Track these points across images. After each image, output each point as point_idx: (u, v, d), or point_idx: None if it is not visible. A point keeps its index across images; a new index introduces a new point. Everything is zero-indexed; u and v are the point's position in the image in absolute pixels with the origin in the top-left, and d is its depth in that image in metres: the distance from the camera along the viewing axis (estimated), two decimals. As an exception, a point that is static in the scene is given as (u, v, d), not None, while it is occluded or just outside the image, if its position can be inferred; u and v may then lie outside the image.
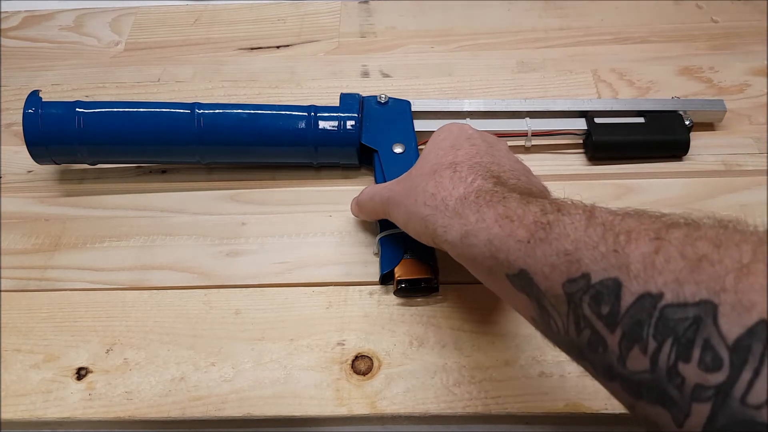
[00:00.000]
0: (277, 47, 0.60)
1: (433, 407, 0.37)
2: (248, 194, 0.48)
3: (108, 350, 0.40)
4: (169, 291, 0.43)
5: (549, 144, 0.50)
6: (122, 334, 0.40)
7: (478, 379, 0.38)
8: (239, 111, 0.46)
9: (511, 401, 0.37)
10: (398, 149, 0.45)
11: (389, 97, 0.48)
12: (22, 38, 0.62)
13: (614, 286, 0.22)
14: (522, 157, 0.42)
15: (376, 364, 0.38)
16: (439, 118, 0.49)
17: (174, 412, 0.37)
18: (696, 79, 0.55)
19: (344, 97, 0.48)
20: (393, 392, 0.37)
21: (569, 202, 0.27)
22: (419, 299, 0.41)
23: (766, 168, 0.48)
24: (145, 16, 0.63)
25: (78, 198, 0.48)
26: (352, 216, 0.46)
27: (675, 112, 0.48)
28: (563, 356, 0.38)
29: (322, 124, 0.45)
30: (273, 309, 0.41)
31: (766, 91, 0.53)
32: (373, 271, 0.43)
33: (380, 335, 0.40)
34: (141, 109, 0.45)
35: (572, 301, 0.24)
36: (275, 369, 0.39)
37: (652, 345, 0.21)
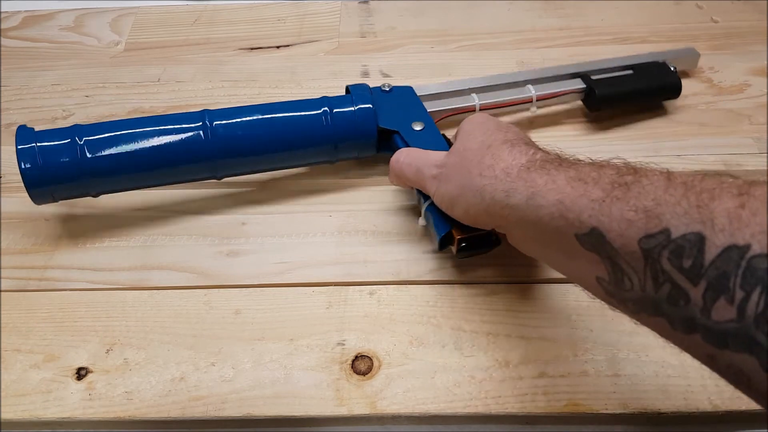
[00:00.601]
0: (277, 47, 0.60)
1: (433, 407, 0.37)
2: (248, 194, 0.48)
3: (108, 350, 0.40)
4: (169, 291, 0.43)
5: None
6: (122, 334, 0.40)
7: (478, 379, 0.38)
8: (252, 118, 0.43)
9: (511, 401, 0.37)
10: (418, 126, 0.45)
11: (392, 86, 0.48)
12: (22, 38, 0.62)
13: (697, 240, 0.23)
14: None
15: (376, 364, 0.38)
16: (444, 98, 0.49)
17: (174, 412, 0.37)
18: (696, 79, 0.55)
19: (353, 87, 0.47)
20: (393, 392, 0.37)
21: (644, 166, 0.28)
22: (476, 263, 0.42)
23: (766, 168, 0.48)
24: (145, 16, 0.63)
25: (78, 198, 0.48)
26: (352, 216, 0.46)
27: (657, 62, 0.52)
28: (563, 356, 0.38)
29: (339, 117, 0.45)
30: (273, 309, 0.41)
31: (766, 91, 0.53)
32: (373, 271, 0.43)
33: (380, 335, 0.40)
34: (148, 129, 0.42)
35: (650, 257, 0.25)
36: (275, 369, 0.39)
37: (739, 294, 0.21)
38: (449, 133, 0.44)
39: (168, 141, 0.42)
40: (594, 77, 0.51)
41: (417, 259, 0.43)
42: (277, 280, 0.43)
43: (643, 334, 0.39)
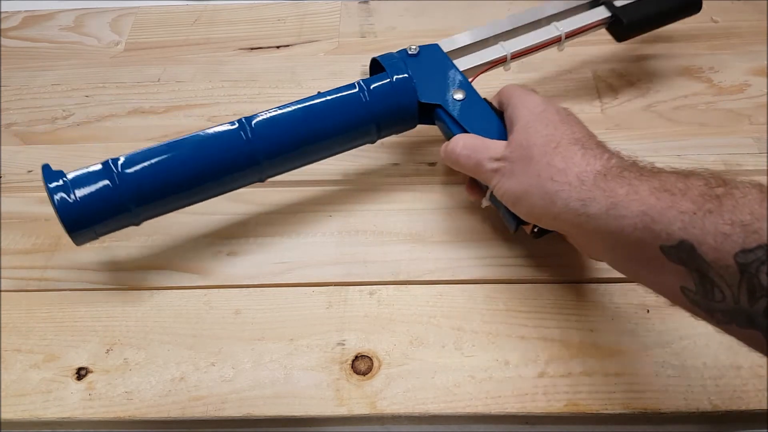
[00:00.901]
0: (277, 47, 0.60)
1: (433, 407, 0.37)
2: (248, 194, 0.48)
3: (108, 350, 0.40)
4: (169, 291, 0.43)
5: None
6: (122, 334, 0.40)
7: (478, 379, 0.38)
8: (291, 109, 0.41)
9: (511, 401, 0.37)
10: (459, 95, 0.43)
11: (418, 47, 0.45)
12: (22, 38, 0.62)
13: None
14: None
15: (376, 364, 0.38)
16: (472, 51, 0.47)
17: (174, 412, 0.37)
18: (696, 79, 0.55)
19: (385, 60, 0.44)
20: (393, 392, 0.37)
21: (732, 178, 0.28)
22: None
23: (766, 168, 0.48)
24: (145, 16, 0.63)
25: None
26: (352, 216, 0.46)
27: None
28: (563, 356, 0.38)
29: (377, 92, 0.42)
30: (273, 309, 0.41)
31: (766, 91, 0.53)
32: (373, 271, 0.43)
33: (380, 335, 0.40)
34: (185, 148, 0.39)
35: (746, 271, 0.25)
36: (275, 369, 0.39)
37: None
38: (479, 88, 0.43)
39: (210, 153, 0.39)
40: (617, 3, 0.49)
41: (417, 259, 0.43)
42: (277, 280, 0.43)
43: (643, 333, 0.39)
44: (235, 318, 0.41)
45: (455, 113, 0.42)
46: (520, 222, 0.39)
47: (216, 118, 0.53)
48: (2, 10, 0.65)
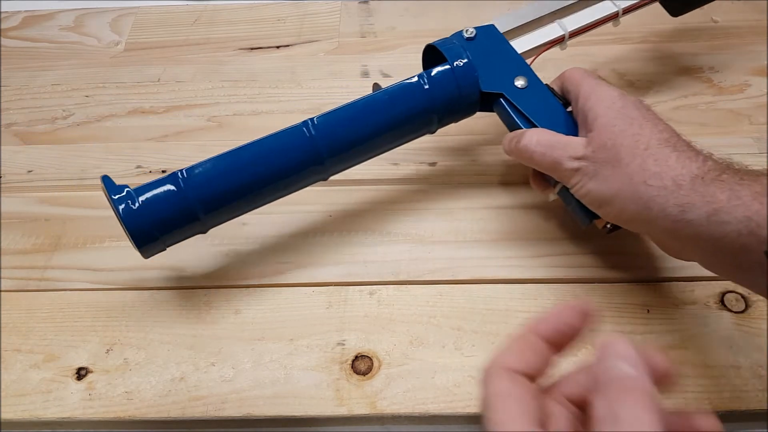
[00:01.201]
0: (277, 47, 0.60)
1: (433, 407, 0.37)
2: (248, 194, 0.48)
3: (108, 350, 0.40)
4: (169, 291, 0.43)
5: None
6: (122, 334, 0.40)
7: (478, 379, 0.38)
8: (354, 107, 0.39)
9: (511, 401, 0.37)
10: (520, 82, 0.41)
11: (474, 30, 0.43)
12: (22, 38, 0.62)
13: None
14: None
15: (376, 364, 0.38)
16: (527, 31, 0.45)
17: (174, 412, 0.37)
18: (696, 79, 0.55)
19: (444, 46, 0.42)
20: (393, 392, 0.37)
21: None
22: None
23: (766, 168, 0.48)
24: (145, 16, 0.63)
25: (78, 198, 0.48)
26: (353, 216, 0.46)
27: None
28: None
29: (438, 79, 0.40)
30: (273, 309, 0.41)
31: (766, 91, 0.53)
32: (373, 272, 0.43)
33: (380, 335, 0.40)
34: (251, 152, 0.38)
35: None
36: (275, 369, 0.38)
37: None
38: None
39: (276, 154, 0.38)
40: None
41: (417, 259, 0.43)
42: (277, 280, 0.43)
43: (643, 334, 0.39)
44: (235, 318, 0.41)
45: (519, 103, 0.40)
46: (593, 218, 0.39)
47: (216, 118, 0.53)
48: (2, 10, 0.65)
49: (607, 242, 0.43)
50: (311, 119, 0.39)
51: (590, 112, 0.37)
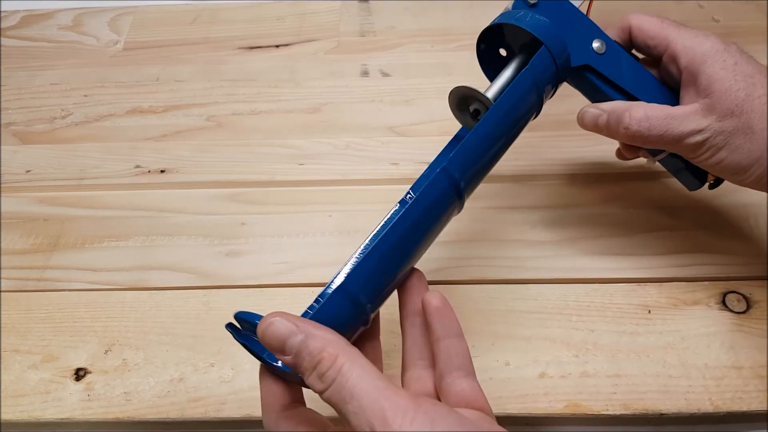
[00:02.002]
0: (277, 46, 0.60)
1: (433, 408, 0.36)
2: (248, 194, 0.48)
3: (107, 351, 0.40)
4: (168, 291, 0.42)
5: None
6: (121, 334, 0.40)
7: (478, 380, 0.37)
8: (483, 135, 0.33)
9: (511, 401, 0.37)
10: (597, 45, 0.36)
11: None
12: (21, 37, 0.62)
13: None
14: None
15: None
16: None
17: (173, 413, 0.37)
18: (697, 78, 0.55)
19: (523, 21, 0.35)
20: (393, 393, 0.37)
21: None
22: None
23: (765, 167, 0.47)
24: (144, 16, 0.63)
25: (77, 198, 0.48)
26: (352, 216, 0.46)
27: None
28: (563, 356, 0.38)
29: (541, 77, 0.35)
30: (272, 309, 0.41)
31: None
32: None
33: (380, 336, 0.39)
34: (405, 229, 0.32)
35: None
36: (275, 370, 0.38)
37: None
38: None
39: (426, 217, 0.32)
40: None
41: (417, 259, 0.43)
42: (277, 281, 0.43)
43: (644, 334, 0.39)
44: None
45: (607, 72, 0.36)
46: (703, 182, 0.38)
47: (215, 118, 0.53)
48: (1, 9, 0.65)
49: (607, 242, 0.43)
50: (447, 165, 0.32)
51: (702, 74, 0.34)
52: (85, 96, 0.56)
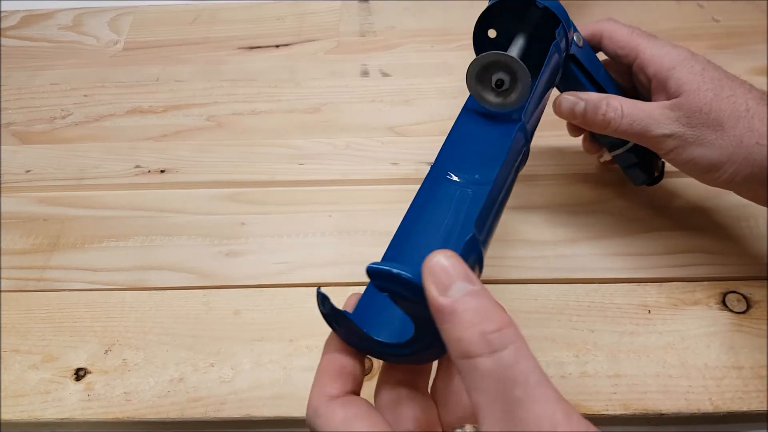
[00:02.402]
0: (277, 46, 0.60)
1: (433, 408, 0.36)
2: (248, 194, 0.48)
3: (107, 351, 0.40)
4: (168, 291, 0.42)
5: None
6: (121, 334, 0.40)
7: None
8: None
9: (511, 402, 0.37)
10: (577, 37, 0.37)
11: None
12: (21, 37, 0.62)
13: None
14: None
15: (376, 364, 0.38)
16: None
17: (173, 413, 0.37)
18: (697, 78, 0.55)
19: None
20: (393, 393, 0.37)
21: None
22: None
23: (765, 167, 0.47)
24: (144, 15, 0.63)
25: (77, 198, 0.48)
26: (352, 216, 0.46)
27: None
28: (563, 356, 0.38)
29: (553, 70, 0.35)
30: (272, 309, 0.41)
31: (767, 90, 0.53)
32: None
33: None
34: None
35: None
36: (275, 370, 0.38)
37: None
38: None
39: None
40: None
41: (417, 259, 0.43)
42: (277, 281, 0.42)
43: (644, 334, 0.39)
44: (235, 318, 0.41)
45: (587, 64, 0.37)
46: (652, 180, 0.41)
47: (215, 118, 0.53)
48: (1, 9, 0.65)
49: (608, 242, 0.43)
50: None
51: (671, 79, 0.36)
52: (85, 96, 0.56)
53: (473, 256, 0.26)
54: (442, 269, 0.22)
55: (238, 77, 0.57)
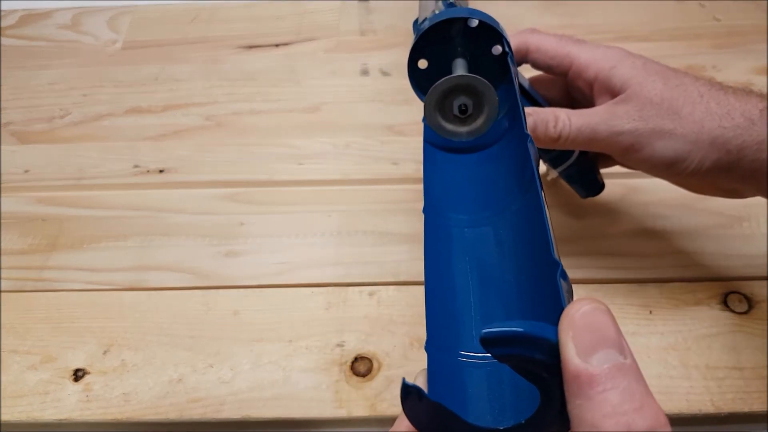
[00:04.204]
0: (276, 45, 0.59)
1: (433, 409, 0.36)
2: (247, 194, 0.48)
3: (105, 351, 0.39)
4: (167, 292, 0.42)
5: None
6: (120, 335, 0.40)
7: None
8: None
9: (511, 403, 0.36)
10: (499, 50, 0.33)
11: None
12: (20, 37, 0.62)
13: None
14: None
15: (375, 365, 0.38)
16: None
17: (172, 414, 0.37)
18: (698, 77, 0.55)
19: (480, 14, 0.32)
20: (393, 394, 0.37)
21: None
22: None
23: (765, 166, 0.47)
24: (143, 15, 0.63)
25: (75, 198, 0.48)
26: (352, 216, 0.45)
27: None
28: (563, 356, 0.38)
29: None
30: (272, 310, 0.41)
31: (767, 90, 0.53)
32: (373, 272, 0.42)
33: (380, 336, 0.39)
34: None
35: None
36: (274, 370, 0.38)
37: None
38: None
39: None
40: None
41: (417, 259, 0.43)
42: (276, 281, 0.42)
43: (645, 334, 0.39)
44: (234, 319, 0.41)
45: (519, 78, 0.34)
46: (597, 191, 0.41)
47: (214, 117, 0.53)
48: (0, 9, 0.65)
49: (608, 242, 0.43)
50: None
51: (614, 77, 0.34)
52: (84, 95, 0.56)
53: (569, 288, 0.23)
54: (586, 326, 0.18)
55: (237, 77, 0.56)
